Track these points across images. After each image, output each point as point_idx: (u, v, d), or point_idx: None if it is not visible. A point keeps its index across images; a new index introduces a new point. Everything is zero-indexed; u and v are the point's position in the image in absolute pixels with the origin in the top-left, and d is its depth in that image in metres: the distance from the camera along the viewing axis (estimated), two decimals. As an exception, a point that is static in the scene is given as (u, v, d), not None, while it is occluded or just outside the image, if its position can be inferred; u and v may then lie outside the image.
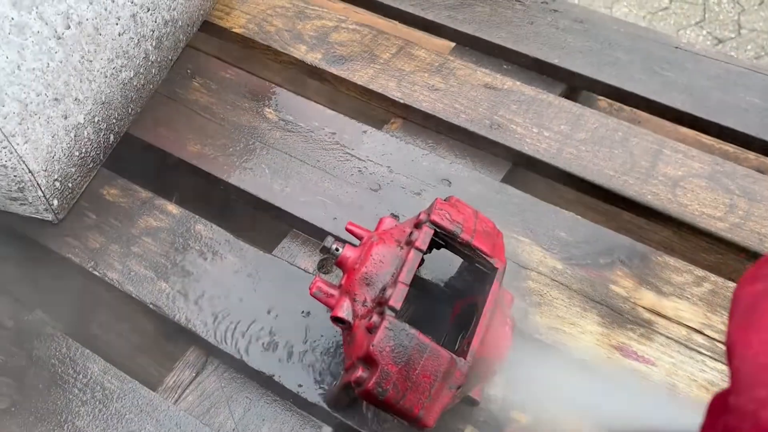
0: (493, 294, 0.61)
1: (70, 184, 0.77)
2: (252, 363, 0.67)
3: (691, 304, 0.71)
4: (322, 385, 0.66)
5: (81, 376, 0.67)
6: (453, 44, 1.03)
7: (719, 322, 0.70)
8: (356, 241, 0.67)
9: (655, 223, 0.82)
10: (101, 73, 0.76)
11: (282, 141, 0.86)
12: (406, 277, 0.58)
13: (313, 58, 0.96)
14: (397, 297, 0.57)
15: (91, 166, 0.80)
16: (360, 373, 0.56)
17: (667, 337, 0.69)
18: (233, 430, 0.65)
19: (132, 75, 0.81)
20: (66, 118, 0.72)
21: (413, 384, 0.55)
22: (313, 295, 0.61)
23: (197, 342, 0.71)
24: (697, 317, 0.70)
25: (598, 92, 0.98)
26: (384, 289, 0.59)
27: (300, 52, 0.97)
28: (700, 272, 0.74)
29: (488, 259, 0.62)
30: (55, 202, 0.75)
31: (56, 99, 0.71)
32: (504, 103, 0.90)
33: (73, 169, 0.76)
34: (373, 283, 0.60)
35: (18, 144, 0.67)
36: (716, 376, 0.67)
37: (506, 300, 0.67)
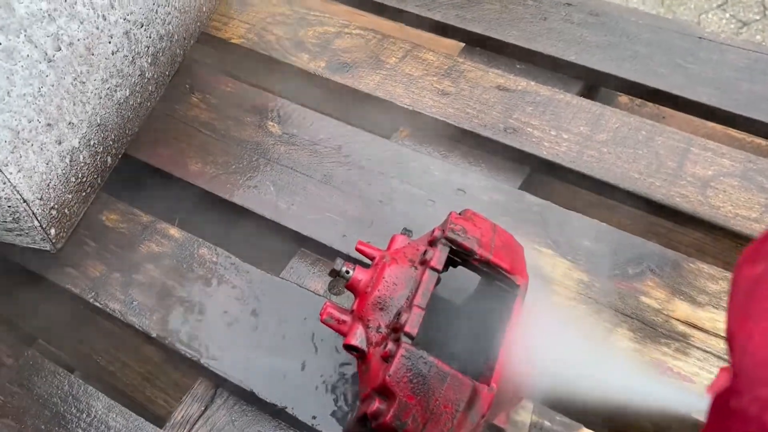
0: (516, 314, 0.59)
1: (67, 212, 0.76)
2: (262, 394, 0.66)
3: (729, 314, 0.69)
4: (337, 417, 0.64)
5: (84, 414, 0.66)
6: (462, 45, 1.01)
7: (761, 333, 0.67)
8: (367, 261, 0.65)
9: (685, 227, 0.79)
10: (95, 94, 0.75)
11: (286, 155, 0.85)
12: (421, 300, 0.56)
13: (316, 66, 0.95)
14: (413, 322, 0.55)
15: (88, 191, 0.79)
16: (377, 405, 0.54)
17: (705, 351, 0.67)
18: (246, 466, 0.64)
19: (128, 94, 0.80)
20: (60, 143, 0.71)
21: (434, 415, 0.53)
22: (324, 322, 0.59)
23: (204, 373, 0.69)
24: (736, 328, 0.67)
25: (619, 89, 0.96)
26: (399, 314, 0.57)
27: (302, 61, 0.96)
28: (737, 279, 0.71)
29: (508, 276, 0.60)
30: (53, 231, 0.74)
31: (49, 124, 0.70)
32: (519, 105, 0.88)
33: (69, 196, 0.75)
34: (386, 308, 0.58)
35: (11, 173, 0.66)
36: (760, 391, 0.64)
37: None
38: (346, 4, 1.07)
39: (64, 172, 0.73)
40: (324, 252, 0.77)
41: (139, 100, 0.83)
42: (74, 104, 0.72)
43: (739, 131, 0.93)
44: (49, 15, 0.68)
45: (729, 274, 0.71)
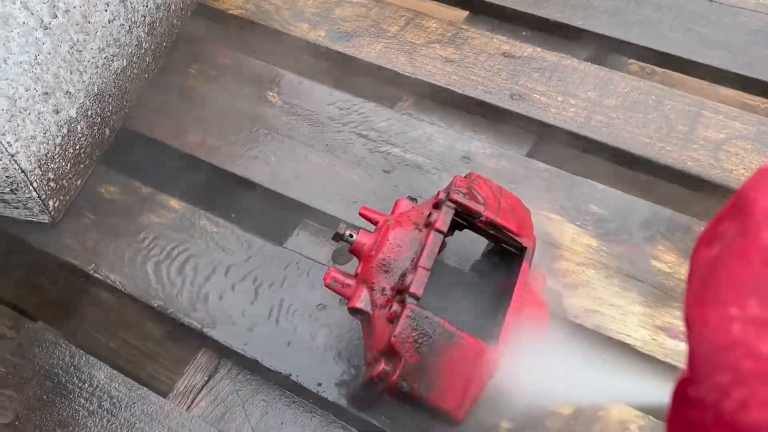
0: (523, 276, 0.60)
1: (65, 183, 0.77)
2: (267, 363, 0.67)
3: (741, 277, 0.69)
4: (343, 383, 0.65)
5: (86, 385, 0.67)
6: (466, 13, 1.02)
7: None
8: (371, 227, 0.66)
9: (697, 192, 0.79)
10: (92, 63, 0.75)
11: (287, 126, 0.85)
12: (426, 261, 0.57)
13: (317, 36, 0.95)
14: (418, 283, 0.55)
15: (86, 162, 0.80)
16: (382, 366, 0.55)
17: (717, 315, 0.67)
18: (251, 435, 0.65)
19: (125, 64, 0.81)
20: (57, 112, 0.72)
21: (441, 376, 0.54)
22: (328, 286, 0.60)
23: (207, 343, 0.70)
24: (749, 291, 0.68)
25: (628, 55, 0.96)
26: (404, 276, 0.57)
27: (302, 30, 0.96)
28: (750, 242, 0.71)
29: (516, 238, 0.61)
30: (51, 202, 0.75)
31: (46, 93, 0.70)
32: (524, 71, 0.88)
33: (68, 167, 0.76)
34: (391, 270, 0.58)
35: (9, 142, 0.67)
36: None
37: (539, 282, 0.65)
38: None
39: (62, 142, 0.73)
40: (327, 222, 0.77)
41: (136, 71, 0.84)
42: (71, 73, 0.73)
43: (751, 97, 0.93)
44: (43, -20, 0.69)
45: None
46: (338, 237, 0.62)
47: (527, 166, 0.79)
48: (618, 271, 0.70)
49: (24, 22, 0.68)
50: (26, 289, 0.78)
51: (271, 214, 0.80)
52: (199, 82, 0.90)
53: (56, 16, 0.71)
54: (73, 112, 0.74)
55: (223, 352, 0.70)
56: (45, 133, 0.71)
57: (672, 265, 0.70)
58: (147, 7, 0.83)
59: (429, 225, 0.60)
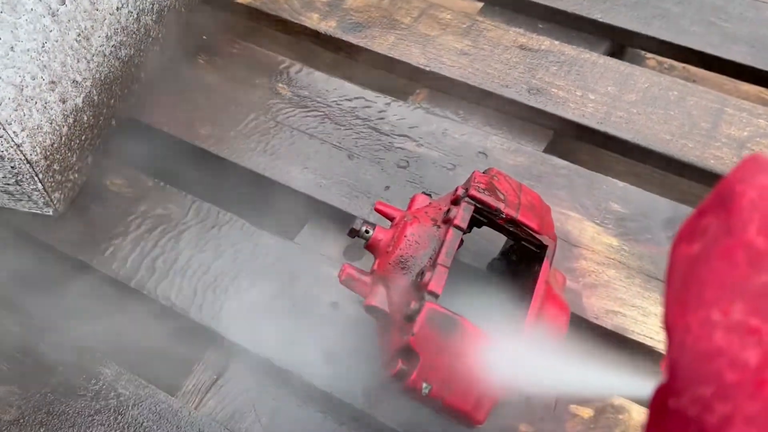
0: (544, 274, 0.60)
1: (70, 175, 0.77)
2: (278, 362, 0.67)
3: None
4: (356, 383, 0.65)
5: (93, 382, 0.67)
6: (481, 4, 1.01)
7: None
8: (386, 223, 0.66)
9: (720, 190, 0.79)
10: (100, 51, 0.75)
11: (298, 119, 0.85)
12: (445, 258, 0.57)
13: (327, 26, 0.95)
14: (437, 281, 0.55)
15: (92, 154, 0.80)
16: (400, 366, 0.55)
17: (741, 317, 0.67)
18: (261, 435, 0.65)
19: (132, 53, 0.81)
20: (64, 102, 0.72)
21: (460, 376, 0.54)
22: (343, 283, 0.60)
23: (216, 341, 0.70)
24: (774, 293, 0.68)
25: (648, 49, 0.96)
26: (422, 273, 0.57)
27: (312, 20, 0.96)
28: (775, 243, 0.71)
29: (536, 236, 0.61)
30: (56, 194, 0.75)
31: (53, 82, 0.70)
32: (542, 65, 0.88)
33: (73, 158, 0.76)
34: (409, 267, 0.58)
35: (15, 132, 0.67)
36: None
37: (558, 282, 0.65)
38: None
39: (68, 132, 0.73)
40: (339, 217, 0.77)
41: (144, 60, 0.84)
42: (78, 61, 0.73)
43: (775, 93, 0.93)
44: (51, -35, 0.69)
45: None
46: (354, 233, 0.62)
47: (545, 162, 0.79)
48: (640, 272, 0.70)
49: (32, 9, 0.68)
50: (30, 283, 0.78)
51: (281, 208, 0.80)
52: (208, 73, 0.90)
53: (64, 3, 0.71)
54: (79, 102, 0.74)
55: (232, 351, 0.69)
56: (51, 123, 0.71)
57: (695, 265, 0.70)
58: (155, -6, 0.82)
59: (448, 221, 0.59)
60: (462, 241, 0.62)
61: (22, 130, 0.68)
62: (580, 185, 0.77)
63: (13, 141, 0.67)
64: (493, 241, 0.69)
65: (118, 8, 0.76)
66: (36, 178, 0.71)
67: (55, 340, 0.70)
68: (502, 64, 0.89)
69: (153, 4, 0.82)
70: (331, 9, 0.97)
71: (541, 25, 0.98)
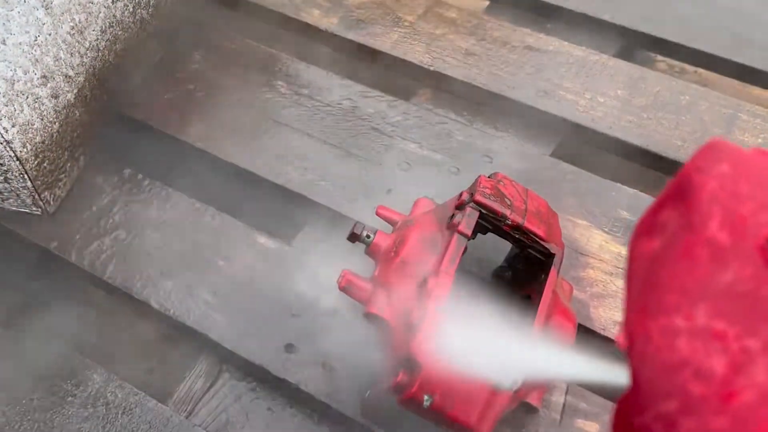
0: (551, 284, 0.59)
1: (61, 173, 0.76)
2: (273, 369, 0.66)
3: (779, 290, 0.69)
4: (355, 394, 0.65)
5: (81, 388, 0.66)
6: (487, 2, 1.01)
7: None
8: (388, 228, 0.65)
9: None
10: (94, 46, 0.75)
11: (297, 118, 0.85)
12: (449, 265, 0.56)
13: (329, 23, 0.95)
14: (441, 287, 0.55)
15: (83, 151, 0.79)
16: (401, 377, 0.54)
17: (753, 330, 0.67)
18: (255, 446, 0.64)
19: (128, 47, 0.80)
20: (56, 97, 0.71)
21: (463, 389, 0.53)
22: (343, 290, 0.60)
23: (209, 347, 0.70)
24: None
25: (659, 51, 0.96)
26: (425, 280, 0.57)
27: (313, 17, 0.96)
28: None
29: (543, 243, 0.60)
30: (45, 194, 0.74)
31: (45, 76, 0.70)
32: (550, 66, 0.88)
33: (64, 156, 0.75)
34: (411, 273, 0.58)
35: (5, 128, 0.66)
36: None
37: (565, 291, 0.65)
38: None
39: (59, 129, 0.73)
40: (338, 221, 0.77)
41: (139, 55, 0.83)
42: (71, 56, 0.72)
43: (789, 99, 0.93)
44: (45, -44, 0.68)
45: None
46: (354, 237, 0.61)
47: (552, 167, 0.79)
48: (648, 281, 0.70)
49: (25, 1, 0.68)
50: (16, 283, 0.77)
51: (279, 210, 0.80)
52: (205, 69, 0.90)
53: (57, -5, 0.71)
54: (71, 98, 0.74)
55: (226, 358, 0.69)
56: (42, 119, 0.70)
57: (706, 276, 0.70)
58: (151, -13, 0.82)
59: (452, 227, 0.59)
60: (465, 248, 0.62)
61: (12, 126, 0.67)
62: (587, 191, 0.76)
63: (2, 137, 0.66)
64: (498, 249, 0.68)
65: (113, 1, 0.76)
66: (25, 176, 0.71)
67: (42, 343, 0.69)
68: (509, 64, 0.88)
69: (149, -2, 0.82)
70: (333, 5, 0.97)
71: (549, 26, 0.98)
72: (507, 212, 0.59)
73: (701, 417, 0.25)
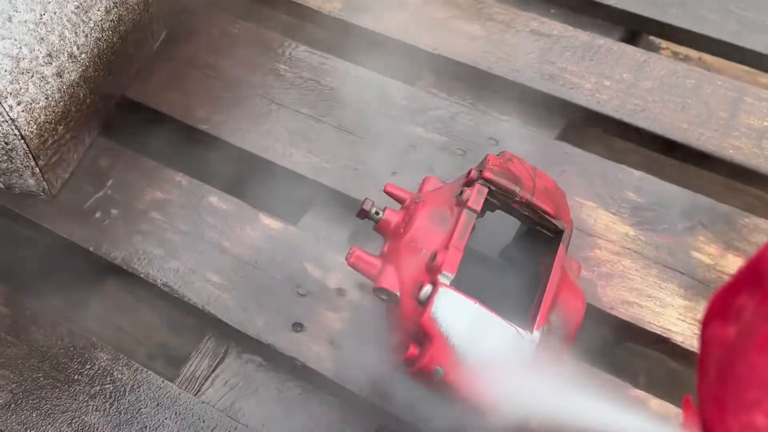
0: (560, 260, 0.61)
1: (64, 154, 0.77)
2: (281, 348, 0.67)
3: (786, 270, 0.70)
4: (361, 370, 0.66)
5: (87, 366, 0.67)
6: (491, -12, 1.03)
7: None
8: (396, 206, 0.67)
9: (738, 181, 0.81)
10: (98, 26, 0.76)
11: (300, 100, 0.86)
12: (459, 241, 0.58)
13: (331, 7, 0.96)
14: (451, 262, 0.56)
15: (87, 132, 0.80)
16: (411, 350, 0.56)
17: (760, 309, 0.68)
18: (262, 425, 0.65)
19: (131, 28, 0.81)
20: (60, 76, 0.73)
21: (473, 361, 0.55)
22: (352, 266, 0.61)
23: (215, 327, 0.71)
24: (793, 285, 0.69)
25: (664, 36, 0.98)
26: (435, 255, 0.58)
27: (316, 1, 0.97)
28: (795, 234, 0.73)
29: (552, 220, 0.62)
30: (48, 174, 0.76)
31: (50, 55, 0.71)
32: (555, 50, 0.90)
33: (68, 136, 0.76)
34: (421, 249, 0.59)
35: (10, 106, 0.67)
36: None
37: (573, 269, 0.66)
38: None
39: (64, 108, 0.74)
40: (343, 203, 0.78)
41: (143, 37, 0.85)
42: (76, 34, 0.73)
43: (794, 85, 0.94)
44: (51, -68, 0.69)
45: (786, 230, 0.73)
46: (364, 214, 0.63)
47: (558, 149, 0.81)
48: (656, 262, 0.71)
49: (29, -22, 0.69)
50: (21, 265, 0.78)
51: (284, 192, 0.81)
52: (207, 53, 0.91)
53: (62, -27, 0.72)
54: (76, 77, 0.75)
55: (232, 336, 0.70)
56: (47, 98, 0.71)
57: (714, 257, 0.72)
58: (155, -32, 0.83)
59: (461, 203, 0.60)
60: (474, 225, 0.64)
61: (18, 104, 0.68)
62: (594, 173, 0.78)
63: (7, 115, 0.68)
64: (506, 227, 0.70)
65: (117, -19, 0.77)
66: (29, 155, 0.72)
67: (48, 322, 0.70)
68: (513, 48, 0.90)
69: (153, -21, 0.83)
70: (336, -11, 0.98)
71: (553, 10, 0.99)
72: (516, 189, 0.61)
73: None
